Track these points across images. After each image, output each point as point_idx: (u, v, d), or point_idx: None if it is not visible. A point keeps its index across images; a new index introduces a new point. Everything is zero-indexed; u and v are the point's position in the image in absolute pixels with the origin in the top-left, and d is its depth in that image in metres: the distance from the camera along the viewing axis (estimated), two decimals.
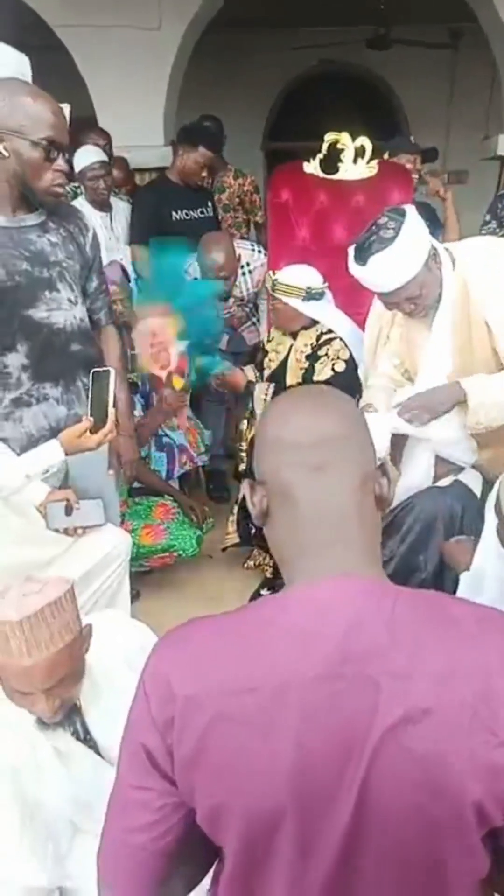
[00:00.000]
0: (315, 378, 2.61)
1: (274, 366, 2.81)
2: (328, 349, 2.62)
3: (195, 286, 3.07)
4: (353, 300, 3.27)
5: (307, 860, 0.76)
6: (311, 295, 2.59)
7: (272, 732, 0.73)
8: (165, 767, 0.78)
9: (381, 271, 1.86)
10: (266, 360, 2.87)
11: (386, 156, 3.60)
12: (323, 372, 2.61)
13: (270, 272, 2.75)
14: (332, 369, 2.59)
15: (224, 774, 0.75)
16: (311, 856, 0.76)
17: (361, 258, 1.88)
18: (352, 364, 2.60)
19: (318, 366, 2.63)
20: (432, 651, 0.73)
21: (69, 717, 1.34)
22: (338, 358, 2.60)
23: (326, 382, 2.55)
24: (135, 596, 2.38)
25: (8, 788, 1.24)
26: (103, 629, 1.43)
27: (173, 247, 2.95)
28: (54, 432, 1.90)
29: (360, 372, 2.61)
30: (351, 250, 1.93)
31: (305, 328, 2.68)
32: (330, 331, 2.67)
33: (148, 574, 2.89)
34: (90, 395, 1.79)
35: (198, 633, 0.82)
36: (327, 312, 2.70)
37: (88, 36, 4.83)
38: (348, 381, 2.52)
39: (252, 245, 3.43)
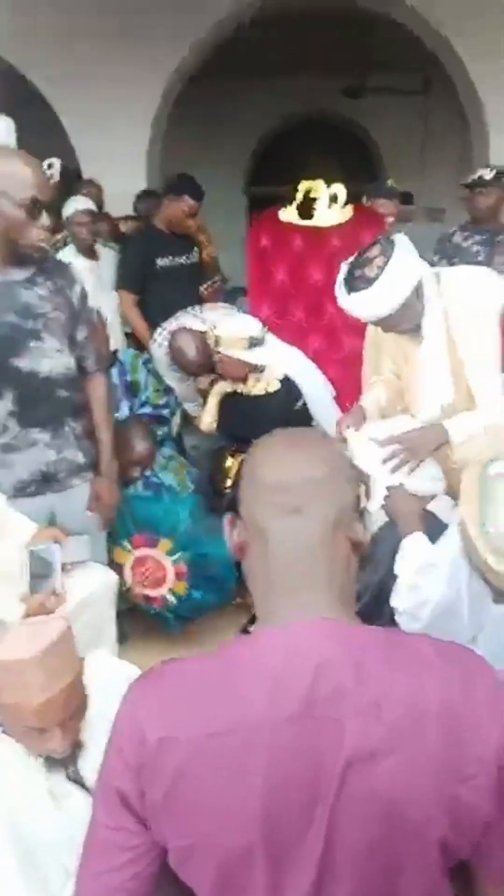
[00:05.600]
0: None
1: None
2: (261, 375, 2.74)
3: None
4: (332, 342, 3.36)
5: None
6: (254, 342, 2.67)
7: (242, 775, 0.74)
8: (138, 809, 0.79)
9: (364, 305, 1.87)
10: None
11: (364, 200, 3.74)
12: (253, 390, 2.74)
13: (211, 329, 2.74)
14: (265, 390, 2.71)
15: (195, 816, 0.76)
16: (283, 895, 0.76)
17: (349, 287, 1.89)
18: (286, 386, 2.70)
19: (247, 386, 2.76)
20: (397, 690, 0.75)
21: (68, 756, 1.35)
22: (269, 382, 2.72)
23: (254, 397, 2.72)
24: (123, 637, 2.40)
25: (5, 831, 1.24)
26: (95, 669, 1.45)
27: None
28: (45, 476, 1.99)
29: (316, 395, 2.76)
30: (341, 280, 1.94)
31: (252, 371, 2.75)
32: None
33: (134, 614, 2.90)
34: (30, 571, 1.81)
35: (170, 676, 0.83)
36: (273, 354, 2.76)
37: (71, 89, 5.00)
38: (278, 401, 2.68)
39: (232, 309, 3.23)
